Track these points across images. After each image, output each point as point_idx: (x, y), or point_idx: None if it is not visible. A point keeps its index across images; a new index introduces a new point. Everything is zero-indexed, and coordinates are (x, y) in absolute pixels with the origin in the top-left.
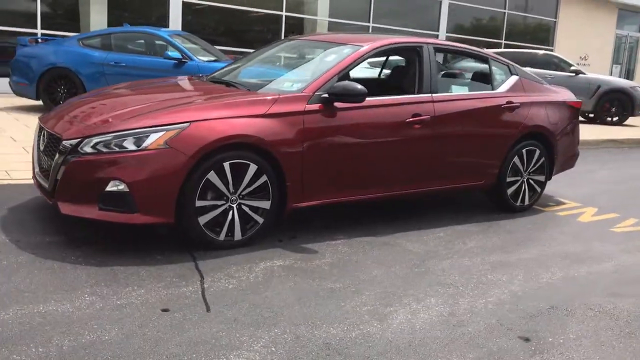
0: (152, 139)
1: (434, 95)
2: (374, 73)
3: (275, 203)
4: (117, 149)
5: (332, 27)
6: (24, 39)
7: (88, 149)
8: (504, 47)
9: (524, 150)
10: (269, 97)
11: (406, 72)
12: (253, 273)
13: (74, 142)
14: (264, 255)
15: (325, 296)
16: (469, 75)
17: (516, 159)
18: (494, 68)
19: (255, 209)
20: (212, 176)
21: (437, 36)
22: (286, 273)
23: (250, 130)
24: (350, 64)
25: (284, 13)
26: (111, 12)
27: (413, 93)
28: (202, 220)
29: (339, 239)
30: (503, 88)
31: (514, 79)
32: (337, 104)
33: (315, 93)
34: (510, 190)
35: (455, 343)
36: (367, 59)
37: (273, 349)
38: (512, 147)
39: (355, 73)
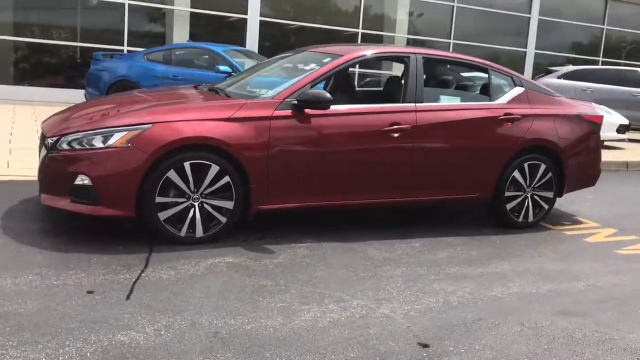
0: (116, 138)
1: (417, 104)
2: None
3: (239, 204)
4: (87, 147)
5: (411, 44)
6: (98, 54)
7: (64, 146)
8: (601, 64)
9: (525, 165)
10: (237, 102)
11: (391, 81)
12: (196, 267)
13: (54, 139)
14: (219, 252)
15: (249, 292)
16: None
17: (517, 173)
18: (494, 79)
19: (218, 209)
20: (172, 174)
21: (524, 53)
22: (228, 269)
23: (212, 132)
24: (324, 73)
25: (360, 30)
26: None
27: (397, 102)
28: (163, 215)
29: (306, 242)
30: (503, 99)
31: (517, 90)
32: (311, 111)
33: (285, 100)
34: (510, 205)
35: (346, 342)
36: (345, 68)
37: (162, 332)
38: (511, 161)
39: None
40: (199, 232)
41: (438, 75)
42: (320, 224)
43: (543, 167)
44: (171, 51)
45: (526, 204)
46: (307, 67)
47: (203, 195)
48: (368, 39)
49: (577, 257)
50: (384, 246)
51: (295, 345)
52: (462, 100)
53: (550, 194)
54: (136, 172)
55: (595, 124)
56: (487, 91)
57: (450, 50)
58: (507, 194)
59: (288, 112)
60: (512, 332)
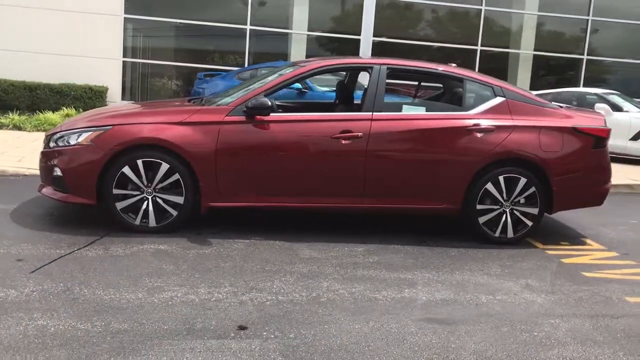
0: (83, 137)
1: (375, 114)
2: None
3: (189, 200)
4: (64, 144)
5: (538, 60)
6: (201, 74)
7: (51, 143)
8: None
9: (501, 177)
10: (192, 108)
11: (351, 91)
12: (126, 250)
13: (47, 137)
14: (160, 241)
15: (145, 272)
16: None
17: (490, 186)
18: (469, 88)
19: (170, 203)
20: (126, 170)
21: None
22: (152, 254)
23: (163, 134)
24: (280, 82)
25: (479, 47)
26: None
27: (355, 111)
28: (119, 205)
29: (254, 238)
30: (477, 110)
31: (496, 100)
32: (262, 118)
33: (237, 106)
34: (483, 219)
35: (174, 317)
36: (303, 78)
37: (26, 290)
38: (483, 173)
39: None
40: (152, 222)
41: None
42: (287, 223)
43: (523, 180)
44: (257, 70)
45: (504, 218)
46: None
47: (156, 190)
48: (489, 58)
49: (519, 274)
50: (326, 247)
51: (134, 316)
52: (427, 111)
53: (534, 210)
54: (95, 166)
55: (597, 137)
56: (460, 101)
57: (584, 66)
58: (480, 206)
59: (239, 118)
60: (347, 328)
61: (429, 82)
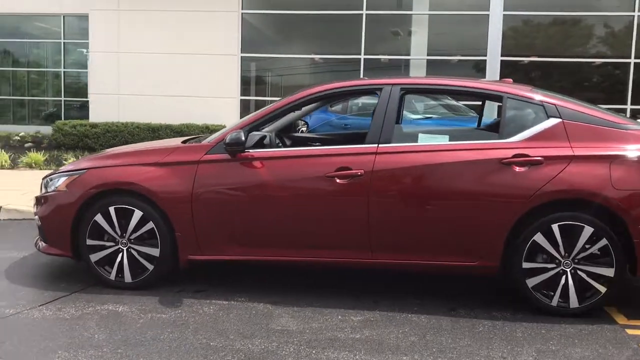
0: (60, 182)
1: (381, 146)
2: None
3: (166, 252)
4: (46, 190)
5: None
6: None
7: (42, 189)
8: None
9: (555, 226)
10: (170, 147)
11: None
12: (77, 311)
13: (42, 181)
14: (126, 299)
15: (57, 345)
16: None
17: (539, 238)
18: (510, 109)
19: (145, 255)
20: (99, 218)
21: None
22: (94, 318)
23: (135, 177)
24: (268, 113)
25: (632, 60)
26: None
27: (357, 143)
28: (94, 258)
29: (233, 299)
30: (520, 136)
31: (549, 123)
32: (244, 155)
33: (219, 143)
34: (533, 281)
35: None
36: (293, 108)
37: None
38: (528, 220)
39: None
40: (127, 277)
41: (425, 109)
42: (292, 276)
43: (588, 230)
44: (347, 101)
45: (563, 281)
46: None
47: (131, 241)
48: None
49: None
50: (314, 315)
51: None
52: (452, 140)
53: (607, 271)
54: (68, 215)
55: None
56: (496, 126)
57: None
58: (528, 265)
59: (219, 156)
60: None
61: (459, 101)
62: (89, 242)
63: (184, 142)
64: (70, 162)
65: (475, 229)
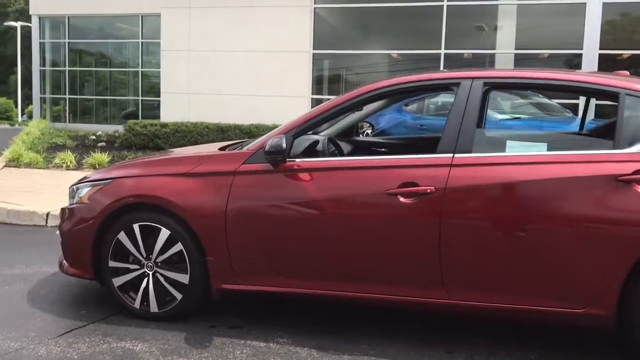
0: (83, 192)
1: (457, 156)
2: None
3: (197, 279)
4: (70, 201)
5: None
6: None
7: (69, 199)
8: None
9: None
10: (204, 154)
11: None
12: (87, 348)
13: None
14: (148, 334)
15: None
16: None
17: None
18: (629, 110)
19: (173, 282)
20: (122, 237)
21: None
22: (106, 357)
23: (161, 190)
24: (320, 114)
25: None
26: None
27: (428, 151)
28: (117, 282)
29: (273, 340)
30: None
31: None
32: (291, 165)
33: (259, 150)
34: None
35: None
36: (357, 105)
37: None
38: None
39: None
40: (153, 306)
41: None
42: (337, 317)
43: None
44: (424, 100)
45: None
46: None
47: (157, 264)
48: None
49: None
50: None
51: None
52: (551, 150)
53: None
54: (89, 231)
55: None
56: (611, 132)
57: None
58: None
59: (258, 166)
60: None
61: (559, 99)
62: (112, 263)
63: (222, 148)
64: (101, 169)
65: (582, 265)
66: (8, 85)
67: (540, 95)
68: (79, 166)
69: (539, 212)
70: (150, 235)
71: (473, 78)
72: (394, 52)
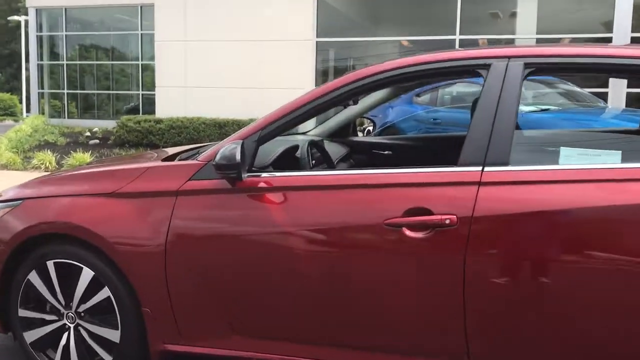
0: None
1: (488, 169)
2: None
3: (130, 336)
4: None
5: None
6: None
7: None
8: None
9: None
10: (141, 167)
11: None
12: None
13: None
14: None
15: None
16: None
17: None
18: None
19: (100, 339)
20: (33, 277)
21: None
22: None
23: (78, 216)
24: (293, 111)
25: None
26: None
27: (443, 162)
28: (29, 337)
29: None
30: None
31: None
32: (249, 182)
33: (209, 162)
34: None
35: None
36: (346, 97)
37: None
38: None
39: None
40: None
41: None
42: None
43: None
44: (438, 89)
45: None
46: None
47: (80, 314)
48: None
49: None
50: None
51: None
52: (627, 161)
53: None
54: None
55: None
56: None
57: None
58: None
59: (208, 183)
60: None
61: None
62: (22, 312)
63: (174, 155)
64: (19, 185)
65: None
66: (19, 82)
67: (568, 82)
68: (59, 167)
69: (619, 254)
70: (69, 275)
71: (509, 57)
72: (405, 39)
